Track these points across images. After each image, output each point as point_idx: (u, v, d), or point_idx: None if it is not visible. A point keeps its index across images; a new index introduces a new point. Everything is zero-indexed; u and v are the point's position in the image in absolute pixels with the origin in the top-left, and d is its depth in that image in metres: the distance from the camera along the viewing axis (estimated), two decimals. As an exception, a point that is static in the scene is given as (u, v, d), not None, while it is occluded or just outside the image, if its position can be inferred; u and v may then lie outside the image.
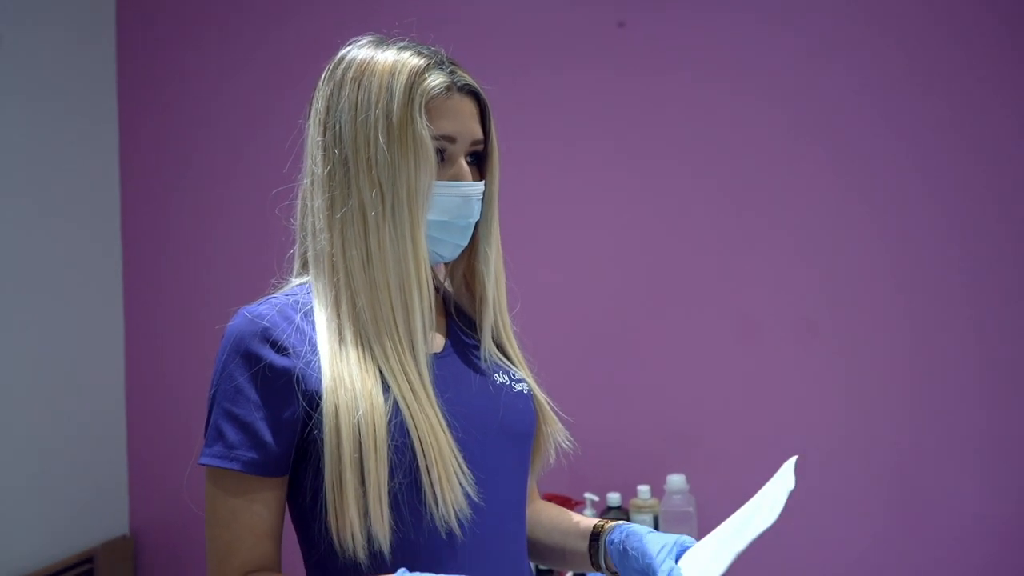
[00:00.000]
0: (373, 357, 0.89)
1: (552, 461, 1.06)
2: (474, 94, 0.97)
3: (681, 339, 2.12)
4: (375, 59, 0.93)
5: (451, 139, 0.94)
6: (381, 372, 0.88)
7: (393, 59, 0.93)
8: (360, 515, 0.83)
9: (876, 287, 2.02)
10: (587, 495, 2.01)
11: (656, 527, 1.93)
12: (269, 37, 2.39)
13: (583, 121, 2.19)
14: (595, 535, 1.01)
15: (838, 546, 2.02)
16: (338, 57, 0.97)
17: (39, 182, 2.26)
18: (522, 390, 1.01)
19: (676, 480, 1.92)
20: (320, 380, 0.87)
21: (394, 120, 0.90)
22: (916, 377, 2.00)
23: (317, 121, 0.96)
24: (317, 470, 0.87)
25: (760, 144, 2.09)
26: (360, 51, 0.95)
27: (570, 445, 1.05)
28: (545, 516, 1.10)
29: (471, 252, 1.02)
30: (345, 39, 1.00)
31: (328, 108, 0.94)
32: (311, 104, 0.98)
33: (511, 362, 1.04)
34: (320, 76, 0.98)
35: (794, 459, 0.89)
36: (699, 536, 1.46)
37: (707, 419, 2.09)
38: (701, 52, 2.12)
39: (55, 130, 2.31)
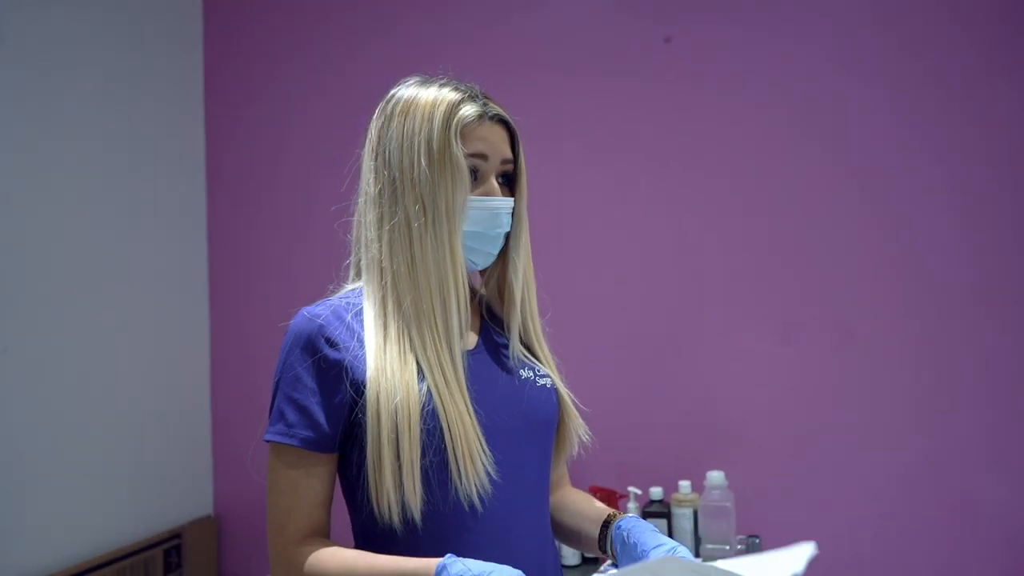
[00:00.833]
0: (412, 348, 1.02)
1: (575, 453, 1.17)
2: (504, 122, 1.10)
3: (722, 342, 2.20)
4: (419, 95, 1.08)
5: (483, 157, 1.07)
6: (419, 363, 1.01)
7: (434, 95, 1.07)
8: (396, 487, 0.96)
9: (909, 290, 2.08)
10: (631, 489, 2.10)
11: (696, 520, 2.02)
12: (344, 63, 2.55)
13: (624, 132, 2.29)
14: (606, 523, 1.12)
15: (872, 541, 2.07)
16: (389, 95, 1.12)
17: (132, 186, 2.42)
18: (545, 384, 1.12)
19: (715, 476, 1.99)
20: (365, 371, 1.00)
21: (434, 145, 1.04)
22: (950, 376, 2.04)
23: (370, 149, 1.10)
24: (361, 448, 1.00)
25: (799, 152, 2.16)
26: (407, 90, 1.10)
27: (589, 439, 1.16)
28: (571, 501, 1.22)
29: (503, 261, 1.14)
30: (405, 76, 1.14)
31: (379, 137, 1.09)
32: (366, 134, 1.13)
33: (539, 360, 1.15)
34: (374, 111, 1.13)
35: (812, 548, 0.90)
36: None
37: (747, 419, 2.17)
38: (741, 68, 2.20)
39: (145, 137, 2.46)
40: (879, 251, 2.10)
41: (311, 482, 1.02)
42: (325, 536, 1.04)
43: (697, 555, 2.04)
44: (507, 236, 1.12)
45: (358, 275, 1.13)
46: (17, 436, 2.06)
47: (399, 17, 2.49)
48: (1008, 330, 2.01)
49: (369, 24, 2.53)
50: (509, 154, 1.11)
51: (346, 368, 1.01)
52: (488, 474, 1.00)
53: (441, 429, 0.98)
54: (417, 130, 1.05)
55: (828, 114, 2.14)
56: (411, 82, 1.12)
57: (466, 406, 1.01)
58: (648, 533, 1.04)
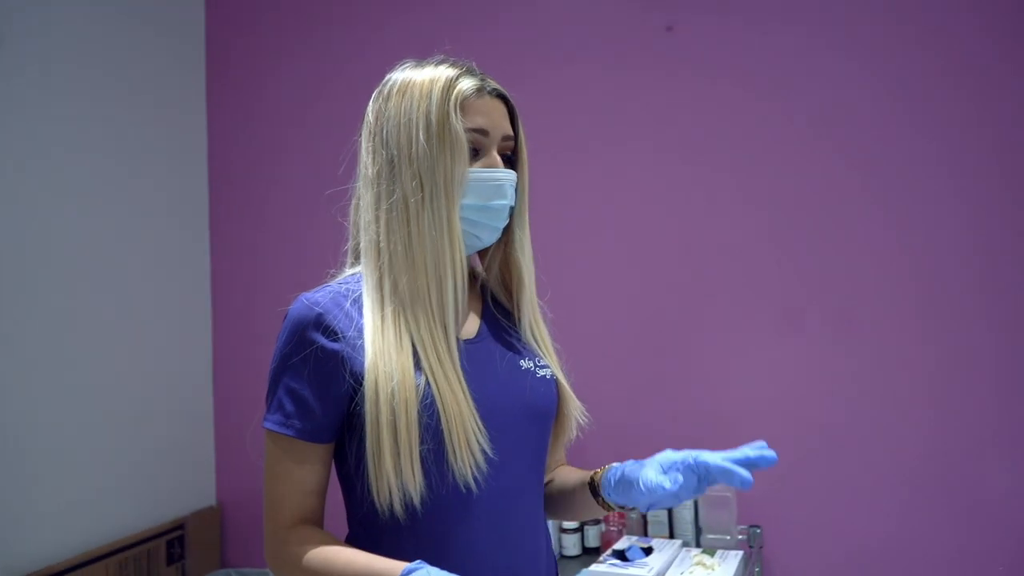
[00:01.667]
0: (408, 329, 1.00)
1: (573, 437, 1.16)
2: (503, 97, 1.09)
3: (725, 332, 2.20)
4: (416, 75, 1.07)
5: (483, 132, 1.05)
6: (415, 347, 1.00)
7: (431, 73, 1.06)
8: (395, 472, 0.96)
9: (914, 283, 2.07)
10: (632, 478, 2.10)
11: (696, 509, 2.02)
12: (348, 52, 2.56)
13: (626, 121, 2.29)
14: (594, 476, 1.11)
15: (872, 532, 2.07)
16: (385, 79, 1.11)
17: (135, 181, 2.44)
18: (545, 375, 1.11)
19: (717, 466, 2.00)
20: (364, 360, 0.99)
21: (432, 119, 1.02)
22: (953, 368, 2.04)
23: (367, 132, 1.09)
24: (360, 440, 0.99)
25: (803, 144, 2.16)
26: (403, 72, 1.09)
27: (587, 421, 1.16)
28: (563, 473, 1.21)
29: (506, 241, 1.12)
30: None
31: (376, 118, 1.08)
32: (363, 119, 1.12)
33: (539, 348, 1.14)
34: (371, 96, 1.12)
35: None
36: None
37: (747, 408, 2.17)
38: (742, 57, 2.20)
39: (147, 132, 2.49)
40: (884, 244, 2.10)
41: (306, 471, 1.02)
42: (318, 523, 1.04)
43: (698, 545, 2.05)
44: (510, 215, 1.10)
45: (356, 259, 1.12)
46: (20, 427, 2.07)
47: (399, 12, 2.49)
48: (1016, 322, 2.00)
49: (370, 19, 2.54)
50: (510, 130, 1.09)
51: (344, 359, 1.00)
52: (484, 452, 0.99)
53: (436, 410, 0.98)
54: (415, 107, 1.04)
55: (831, 104, 2.14)
56: (406, 65, 1.11)
57: (462, 390, 1.00)
58: (648, 460, 1.03)
